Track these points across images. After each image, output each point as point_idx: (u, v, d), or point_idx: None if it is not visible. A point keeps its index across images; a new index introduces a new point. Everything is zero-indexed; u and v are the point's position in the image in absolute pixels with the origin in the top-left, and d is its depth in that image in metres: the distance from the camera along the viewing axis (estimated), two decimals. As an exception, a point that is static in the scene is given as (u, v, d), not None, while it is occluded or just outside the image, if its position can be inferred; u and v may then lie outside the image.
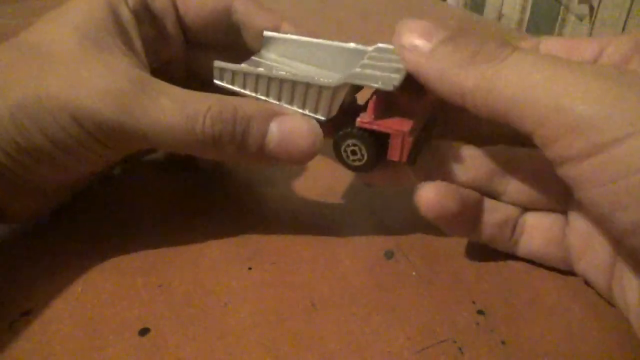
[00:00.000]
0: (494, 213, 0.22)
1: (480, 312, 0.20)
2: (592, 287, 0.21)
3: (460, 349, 0.19)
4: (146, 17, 0.24)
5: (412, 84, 0.20)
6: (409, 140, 0.20)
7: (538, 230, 0.22)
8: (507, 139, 0.22)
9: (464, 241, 0.24)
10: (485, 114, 0.18)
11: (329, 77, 0.21)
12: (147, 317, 0.20)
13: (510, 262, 0.23)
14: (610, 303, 0.20)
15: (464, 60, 0.18)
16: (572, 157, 0.16)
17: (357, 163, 0.21)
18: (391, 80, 0.19)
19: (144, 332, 0.19)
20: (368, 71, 0.20)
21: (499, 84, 0.17)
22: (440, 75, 0.18)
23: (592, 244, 0.20)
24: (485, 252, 0.23)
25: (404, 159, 0.20)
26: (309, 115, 0.21)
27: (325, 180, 0.28)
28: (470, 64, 0.18)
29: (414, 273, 0.22)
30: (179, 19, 0.25)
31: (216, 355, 0.18)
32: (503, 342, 0.19)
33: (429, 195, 0.20)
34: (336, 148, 0.21)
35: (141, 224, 0.25)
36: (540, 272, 0.22)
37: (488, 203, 0.22)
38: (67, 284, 0.21)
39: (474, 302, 0.21)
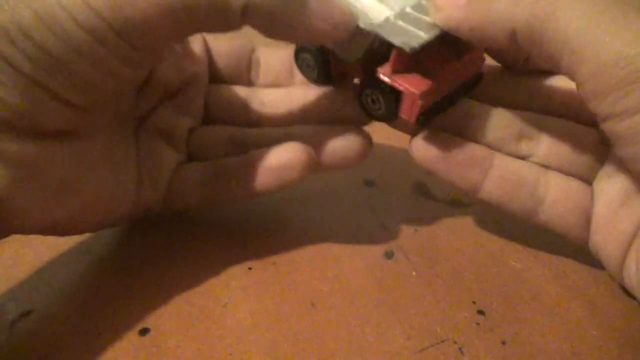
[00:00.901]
0: (506, 168, 0.21)
1: (480, 312, 0.20)
2: (602, 263, 0.20)
3: (460, 349, 0.19)
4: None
5: (452, 43, 0.19)
6: (418, 103, 0.19)
7: (566, 194, 0.21)
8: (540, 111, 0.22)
9: (464, 241, 0.24)
10: (537, 56, 0.17)
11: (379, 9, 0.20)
12: (147, 317, 0.20)
13: (510, 262, 0.23)
14: (614, 299, 0.20)
15: None
16: (622, 111, 0.15)
17: (379, 112, 0.21)
18: (415, 39, 0.18)
19: (144, 332, 0.19)
20: (400, 23, 0.19)
21: (556, 19, 0.16)
22: (485, 17, 0.17)
23: (618, 213, 0.20)
24: (485, 252, 0.23)
25: (412, 119, 0.20)
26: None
27: (325, 180, 0.28)
28: None
29: (414, 273, 0.22)
30: (210, 57, 0.26)
31: (216, 355, 0.18)
32: (503, 342, 0.19)
33: (419, 140, 0.21)
34: (358, 95, 0.21)
35: (141, 224, 0.25)
36: (540, 272, 0.22)
37: (501, 159, 0.21)
38: (67, 284, 0.21)
39: (474, 302, 0.21)
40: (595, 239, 0.20)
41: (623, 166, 0.20)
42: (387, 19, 0.19)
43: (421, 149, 0.21)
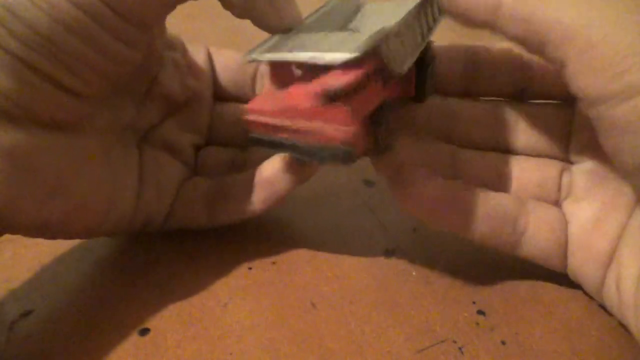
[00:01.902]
0: (490, 204, 0.20)
1: (480, 312, 0.20)
2: (581, 285, 0.20)
3: (460, 349, 0.19)
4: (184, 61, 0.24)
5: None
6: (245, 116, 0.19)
7: (544, 224, 0.20)
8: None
9: (463, 241, 0.24)
10: (519, 34, 0.16)
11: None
12: (147, 317, 0.20)
13: (510, 262, 0.23)
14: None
15: None
16: (615, 94, 0.14)
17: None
18: (262, 53, 0.18)
19: (144, 332, 0.19)
20: (293, 37, 0.18)
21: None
22: None
23: (593, 234, 0.20)
24: (485, 252, 0.23)
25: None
26: None
27: (325, 180, 0.28)
28: None
29: (414, 273, 0.22)
30: (214, 71, 0.26)
31: (216, 355, 0.18)
32: (503, 342, 0.19)
33: (405, 189, 0.20)
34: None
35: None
36: (540, 272, 0.22)
37: (484, 194, 0.20)
38: (67, 284, 0.21)
39: (474, 302, 0.21)
40: (572, 262, 0.20)
41: (590, 187, 0.20)
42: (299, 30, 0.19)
43: (411, 199, 0.20)
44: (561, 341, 0.19)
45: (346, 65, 0.16)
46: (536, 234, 0.20)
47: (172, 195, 0.23)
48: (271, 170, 0.21)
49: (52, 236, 0.20)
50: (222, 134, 0.26)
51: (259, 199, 0.22)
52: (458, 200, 0.20)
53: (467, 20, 0.18)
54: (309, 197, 0.27)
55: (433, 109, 0.22)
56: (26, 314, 0.20)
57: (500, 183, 0.22)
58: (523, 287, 0.21)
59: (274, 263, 0.22)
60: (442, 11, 0.20)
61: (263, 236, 0.24)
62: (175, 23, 0.25)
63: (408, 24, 0.18)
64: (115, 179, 0.20)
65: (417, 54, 0.19)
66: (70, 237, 0.21)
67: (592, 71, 0.15)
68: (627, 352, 0.18)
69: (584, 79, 0.15)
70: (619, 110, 0.14)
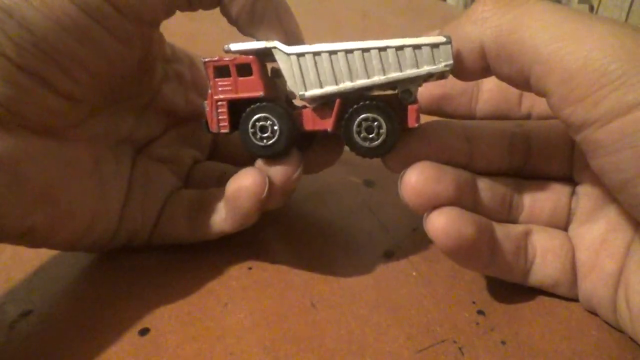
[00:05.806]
0: (508, 239, 0.20)
1: (480, 312, 0.20)
2: (597, 311, 0.20)
3: (460, 349, 0.19)
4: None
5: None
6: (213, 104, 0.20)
7: (549, 251, 0.20)
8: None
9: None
10: (507, 73, 0.17)
11: None
12: (147, 317, 0.20)
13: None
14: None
15: (477, 16, 0.17)
16: (598, 118, 0.15)
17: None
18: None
19: (144, 332, 0.19)
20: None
21: (522, 32, 0.16)
22: (456, 39, 0.18)
23: (600, 255, 0.19)
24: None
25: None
26: None
27: (325, 180, 0.28)
28: (485, 17, 0.17)
29: (414, 273, 0.22)
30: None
31: (216, 355, 0.18)
32: (503, 342, 0.19)
33: (442, 221, 0.18)
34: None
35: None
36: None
37: (500, 230, 0.20)
38: (67, 284, 0.21)
39: (474, 302, 0.21)
40: (584, 287, 0.20)
41: (595, 209, 0.20)
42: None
43: (452, 234, 0.18)
44: (561, 341, 0.19)
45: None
46: (543, 263, 0.20)
47: (157, 209, 0.22)
48: (235, 185, 0.19)
49: (36, 245, 0.19)
50: (226, 151, 0.26)
51: (227, 216, 0.20)
52: (490, 241, 0.19)
53: (464, 70, 0.18)
54: (309, 197, 0.27)
55: (455, 130, 0.21)
56: (26, 314, 0.20)
57: (513, 210, 0.21)
58: (523, 287, 0.21)
59: (274, 263, 0.22)
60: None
61: (263, 236, 0.24)
62: (175, 24, 0.24)
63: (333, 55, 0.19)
64: (103, 190, 0.20)
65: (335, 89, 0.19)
66: (54, 247, 0.20)
67: (573, 101, 0.15)
68: (627, 352, 0.18)
69: (566, 108, 0.16)
70: (600, 133, 0.15)
